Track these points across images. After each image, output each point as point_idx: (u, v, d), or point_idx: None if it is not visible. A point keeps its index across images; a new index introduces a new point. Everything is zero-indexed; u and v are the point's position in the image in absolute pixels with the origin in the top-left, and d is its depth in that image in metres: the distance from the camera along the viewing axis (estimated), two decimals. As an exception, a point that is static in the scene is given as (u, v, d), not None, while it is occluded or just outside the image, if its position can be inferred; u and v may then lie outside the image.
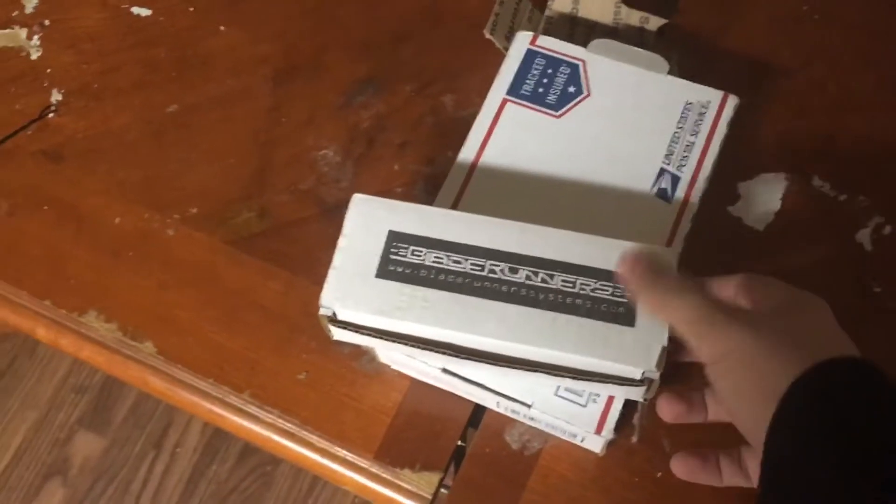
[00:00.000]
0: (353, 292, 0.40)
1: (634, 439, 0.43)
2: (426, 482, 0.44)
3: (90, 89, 0.54)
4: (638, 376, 0.39)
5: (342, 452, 0.45)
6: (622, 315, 0.40)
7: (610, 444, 0.43)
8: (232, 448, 1.13)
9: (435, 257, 0.41)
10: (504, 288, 0.40)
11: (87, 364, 0.50)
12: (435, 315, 0.40)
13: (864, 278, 0.47)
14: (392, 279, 0.41)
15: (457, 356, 0.40)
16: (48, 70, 0.54)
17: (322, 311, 0.41)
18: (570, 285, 0.40)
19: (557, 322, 0.40)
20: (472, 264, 0.41)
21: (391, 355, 0.45)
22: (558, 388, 0.42)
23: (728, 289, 0.39)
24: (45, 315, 0.49)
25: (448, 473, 0.45)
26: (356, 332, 0.41)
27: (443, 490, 0.44)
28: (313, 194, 0.51)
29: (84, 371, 1.18)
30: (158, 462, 1.13)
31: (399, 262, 0.41)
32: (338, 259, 0.41)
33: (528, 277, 0.40)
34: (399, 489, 0.45)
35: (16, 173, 0.52)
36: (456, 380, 0.43)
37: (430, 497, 0.44)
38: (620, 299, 0.40)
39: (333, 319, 0.41)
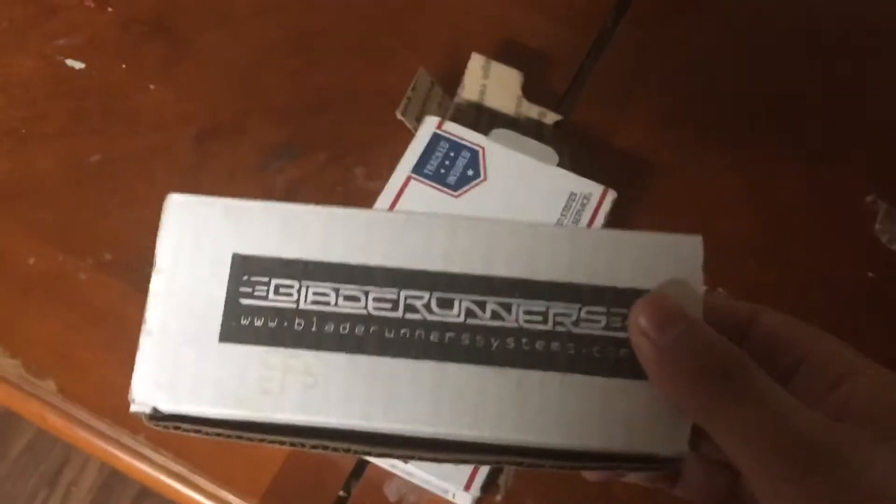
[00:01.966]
0: (183, 371, 0.26)
1: (498, 498, 0.47)
2: (306, 529, 0.47)
3: (17, 133, 0.56)
4: (664, 455, 0.25)
5: (229, 497, 0.48)
6: (626, 361, 0.25)
7: (478, 502, 0.47)
8: (127, 491, 1.13)
9: (315, 294, 0.26)
10: (434, 336, 0.26)
11: (-14, 397, 0.51)
12: (325, 398, 0.25)
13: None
14: (248, 341, 0.26)
15: (369, 451, 0.26)
16: (-23, 112, 0.57)
17: (135, 408, 0.26)
18: (540, 319, 0.26)
19: (524, 386, 0.25)
20: (377, 300, 0.26)
21: (283, 407, 0.47)
22: (434, 447, 0.45)
23: (754, 331, 0.26)
24: (-50, 348, 0.50)
25: (329, 522, 0.48)
26: (196, 431, 0.27)
27: (322, 538, 0.47)
28: (224, 249, 0.54)
29: (-18, 402, 1.16)
30: (51, 500, 1.12)
31: (256, 310, 0.26)
32: (153, 314, 0.26)
33: (469, 313, 0.26)
34: (280, 535, 0.47)
35: (-65, 208, 0.54)
36: (341, 433, 0.46)
37: (309, 543, 0.47)
38: (621, 334, 0.26)
39: (156, 417, 0.27)
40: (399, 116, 0.56)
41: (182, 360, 0.26)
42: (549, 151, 0.54)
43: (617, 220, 0.53)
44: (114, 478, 1.13)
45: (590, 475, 0.30)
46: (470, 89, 0.59)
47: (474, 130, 0.55)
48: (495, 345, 0.26)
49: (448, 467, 0.45)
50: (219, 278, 0.26)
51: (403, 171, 0.53)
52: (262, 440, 0.26)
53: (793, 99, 0.61)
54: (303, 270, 0.26)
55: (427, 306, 0.26)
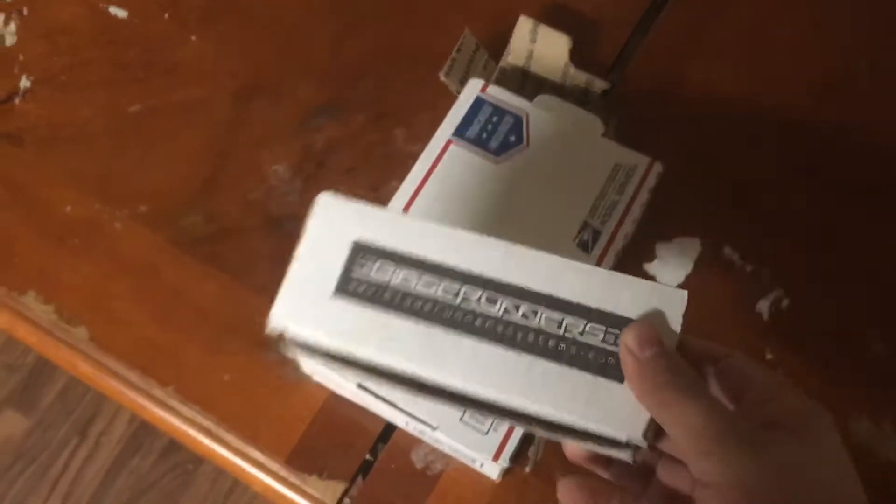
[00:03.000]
0: (307, 310, 0.36)
1: (527, 470, 0.47)
2: (331, 491, 0.47)
3: (58, 80, 0.56)
4: (623, 440, 0.34)
5: (255, 454, 0.48)
6: (612, 367, 0.34)
7: (507, 473, 0.46)
8: (156, 443, 1.14)
9: (404, 277, 0.36)
10: (478, 322, 0.35)
11: (20, 343, 0.51)
12: (396, 347, 0.35)
13: (760, 345, 0.51)
14: (352, 299, 0.36)
15: (418, 392, 0.36)
16: (20, 57, 0.56)
17: (270, 328, 0.36)
18: (556, 325, 0.35)
19: (534, 369, 0.35)
20: (444, 289, 0.36)
21: (314, 366, 0.47)
22: (464, 414, 0.45)
23: (718, 362, 0.35)
24: (-14, 291, 0.51)
25: (355, 485, 0.47)
26: (308, 353, 0.37)
27: (346, 500, 0.47)
28: (260, 206, 0.53)
29: (17, 350, 1.18)
30: (81, 449, 1.14)
31: (361, 280, 0.36)
32: (294, 268, 0.37)
33: (506, 311, 0.35)
34: (305, 494, 0.47)
35: (-25, 152, 0.54)
36: (370, 397, 0.46)
37: (332, 505, 0.47)
38: (611, 347, 0.35)
39: (283, 336, 0.37)
40: (442, 78, 0.55)
41: (308, 301, 0.36)
42: (595, 121, 0.53)
43: (660, 194, 0.52)
44: (143, 430, 1.14)
45: (570, 453, 0.38)
46: (516, 53, 0.57)
47: (519, 96, 0.53)
48: (520, 336, 0.35)
49: (478, 437, 0.45)
50: (342, 253, 0.37)
51: (444, 134, 0.52)
52: (350, 369, 0.36)
53: (854, 78, 0.59)
54: (399, 259, 0.37)
55: (478, 300, 0.36)
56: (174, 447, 1.13)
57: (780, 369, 0.51)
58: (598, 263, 0.49)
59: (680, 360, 0.33)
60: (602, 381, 0.34)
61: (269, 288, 0.51)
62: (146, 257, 0.51)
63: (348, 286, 0.36)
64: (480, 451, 0.45)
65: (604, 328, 0.35)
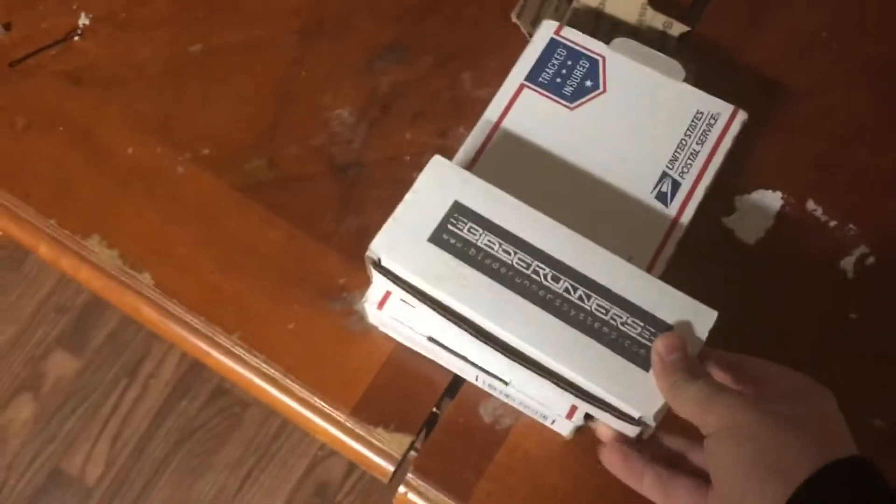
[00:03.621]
0: (402, 247, 0.42)
1: (602, 428, 0.45)
2: (398, 443, 0.46)
3: (118, 18, 0.54)
4: (636, 416, 0.40)
5: (320, 404, 0.47)
6: (641, 357, 0.40)
7: (578, 430, 0.45)
8: (204, 386, 1.15)
9: (488, 241, 0.42)
10: (541, 292, 0.41)
11: (75, 285, 0.51)
12: (468, 295, 0.41)
13: (843, 304, 0.49)
14: (441, 248, 0.42)
15: (476, 337, 0.41)
16: (79, -7, 0.55)
17: (368, 254, 0.42)
18: (603, 312, 0.41)
19: (578, 342, 0.40)
20: (519, 259, 0.42)
21: (380, 317, 0.46)
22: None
23: (737, 369, 0.41)
24: (49, 233, 0.50)
25: (420, 437, 0.46)
26: (393, 282, 0.42)
27: (413, 452, 0.46)
28: (324, 151, 0.52)
29: (68, 291, 1.18)
30: (131, 390, 1.15)
31: (453, 234, 0.42)
32: (400, 211, 0.42)
33: (566, 290, 0.41)
34: (371, 446, 0.46)
35: (36, 91, 0.52)
36: (440, 349, 0.45)
37: (399, 457, 0.46)
38: (645, 341, 0.40)
39: (377, 264, 0.42)
40: (514, 19, 0.52)
41: (405, 240, 0.42)
42: (675, 65, 0.50)
43: (739, 144, 0.49)
44: (191, 374, 1.15)
45: (601, 433, 0.43)
46: (590, -6, 0.54)
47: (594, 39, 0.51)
48: (572, 313, 0.41)
49: (551, 394, 0.43)
50: (442, 209, 0.43)
51: (516, 78, 0.50)
52: (424, 303, 0.42)
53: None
54: (487, 225, 0.43)
55: (545, 276, 0.42)
56: (221, 391, 1.14)
57: (863, 329, 0.48)
58: (677, 217, 0.47)
59: (697, 363, 0.40)
60: (630, 366, 0.40)
61: (332, 237, 0.50)
62: (209, 202, 0.50)
63: (441, 236, 0.42)
64: (554, 408, 0.44)
65: (642, 324, 0.41)
